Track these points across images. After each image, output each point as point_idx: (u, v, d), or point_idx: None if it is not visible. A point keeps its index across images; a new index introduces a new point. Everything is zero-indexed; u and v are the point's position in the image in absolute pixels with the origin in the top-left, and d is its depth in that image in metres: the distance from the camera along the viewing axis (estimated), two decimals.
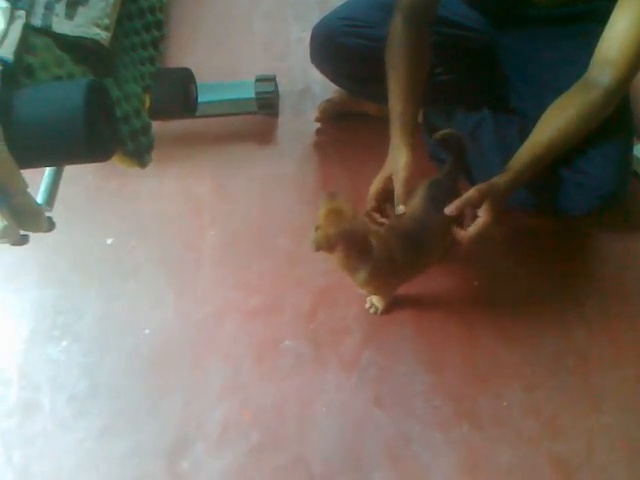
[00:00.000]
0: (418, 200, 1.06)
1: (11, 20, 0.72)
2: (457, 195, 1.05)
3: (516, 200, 1.26)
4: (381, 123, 1.17)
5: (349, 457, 1.06)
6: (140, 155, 0.93)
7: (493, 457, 1.05)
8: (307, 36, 1.34)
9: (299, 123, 1.49)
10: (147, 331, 1.21)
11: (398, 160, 1.05)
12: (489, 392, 1.12)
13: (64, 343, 1.21)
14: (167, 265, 1.30)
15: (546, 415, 1.09)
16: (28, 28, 0.75)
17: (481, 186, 1.01)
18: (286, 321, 1.21)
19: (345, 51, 1.28)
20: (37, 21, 0.77)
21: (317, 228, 0.94)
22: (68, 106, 0.68)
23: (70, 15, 0.80)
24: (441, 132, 1.14)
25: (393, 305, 1.22)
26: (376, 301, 1.20)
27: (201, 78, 1.33)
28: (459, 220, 1.05)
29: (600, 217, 1.26)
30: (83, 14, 0.82)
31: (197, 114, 1.34)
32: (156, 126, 1.14)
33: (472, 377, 1.13)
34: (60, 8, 0.80)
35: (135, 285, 1.27)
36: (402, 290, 1.22)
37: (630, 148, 1.21)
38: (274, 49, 1.64)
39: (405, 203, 1.01)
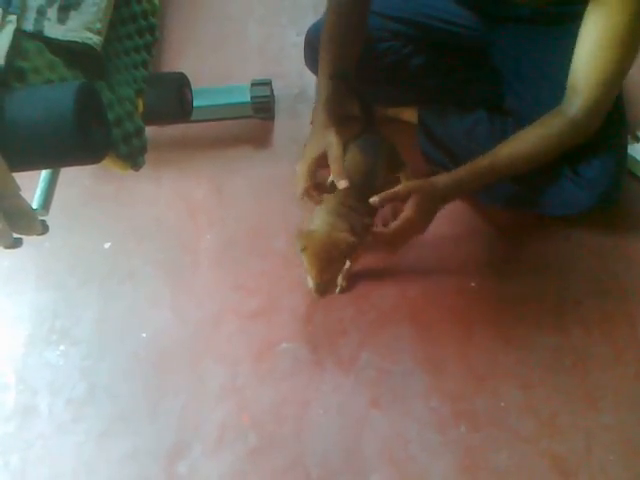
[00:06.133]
0: (353, 155, 1.06)
1: (2, 25, 0.73)
2: (386, 139, 1.10)
3: (513, 199, 1.27)
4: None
5: (347, 459, 1.06)
6: (133, 157, 0.94)
7: (491, 457, 1.05)
8: (302, 40, 1.34)
9: (295, 126, 1.49)
10: (145, 334, 1.22)
11: (329, 140, 1.02)
12: (487, 392, 1.11)
13: (62, 347, 1.21)
14: (164, 268, 1.30)
15: (544, 415, 1.09)
16: (20, 33, 0.76)
17: (412, 182, 1.00)
18: (283, 323, 1.21)
19: None
20: (29, 26, 0.78)
21: (312, 278, 0.96)
22: (59, 108, 0.68)
23: (62, 20, 0.81)
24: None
25: (390, 306, 1.22)
26: (339, 279, 1.20)
27: (197, 83, 1.34)
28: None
29: (597, 217, 1.26)
30: (75, 18, 0.82)
31: (193, 118, 1.34)
32: (153, 130, 1.15)
33: (469, 377, 1.13)
34: (52, 13, 0.80)
35: (133, 288, 1.28)
36: (399, 291, 1.23)
37: (625, 147, 1.22)
38: (269, 53, 1.64)
39: (345, 177, 0.98)
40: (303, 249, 0.94)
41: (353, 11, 1.10)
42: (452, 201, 1.07)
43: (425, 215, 1.02)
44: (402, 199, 0.99)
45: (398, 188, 0.98)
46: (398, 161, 1.22)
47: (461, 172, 1.04)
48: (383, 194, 0.98)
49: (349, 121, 1.11)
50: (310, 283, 0.98)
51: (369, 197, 0.99)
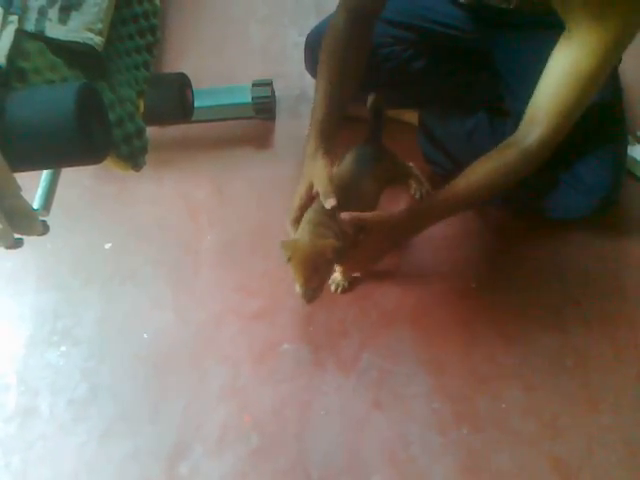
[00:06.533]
0: (342, 167, 1.09)
1: (3, 25, 0.73)
2: (383, 151, 1.14)
3: (514, 202, 1.27)
4: None
5: (348, 460, 1.06)
6: (134, 158, 0.94)
7: (492, 459, 1.05)
8: (303, 40, 1.34)
9: (296, 127, 1.49)
10: (146, 335, 1.22)
11: (316, 165, 1.03)
12: (488, 393, 1.11)
13: (63, 348, 1.21)
14: (166, 269, 1.30)
15: (545, 416, 1.08)
16: (21, 33, 0.76)
17: (378, 218, 1.02)
18: (284, 324, 1.21)
19: None
20: (30, 26, 0.78)
21: (300, 286, 0.97)
22: (60, 108, 0.68)
23: (63, 20, 0.81)
24: (370, 100, 1.15)
25: (391, 307, 1.22)
26: (340, 279, 1.21)
27: (198, 83, 1.34)
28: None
29: (597, 218, 1.25)
30: (76, 19, 0.82)
31: (194, 119, 1.35)
32: (154, 131, 1.15)
33: (471, 379, 1.13)
34: (53, 13, 0.80)
35: (134, 289, 1.28)
36: (401, 292, 1.23)
37: (624, 149, 1.21)
38: (271, 54, 1.64)
39: (333, 196, 0.99)
40: (289, 259, 0.95)
41: (350, 46, 1.09)
42: (417, 234, 1.10)
43: (379, 247, 1.07)
44: (364, 228, 1.01)
45: (365, 217, 1.00)
46: (402, 170, 1.23)
47: (421, 205, 1.07)
48: (355, 216, 0.99)
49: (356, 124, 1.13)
50: (298, 290, 0.98)
51: (346, 210, 1.00)
